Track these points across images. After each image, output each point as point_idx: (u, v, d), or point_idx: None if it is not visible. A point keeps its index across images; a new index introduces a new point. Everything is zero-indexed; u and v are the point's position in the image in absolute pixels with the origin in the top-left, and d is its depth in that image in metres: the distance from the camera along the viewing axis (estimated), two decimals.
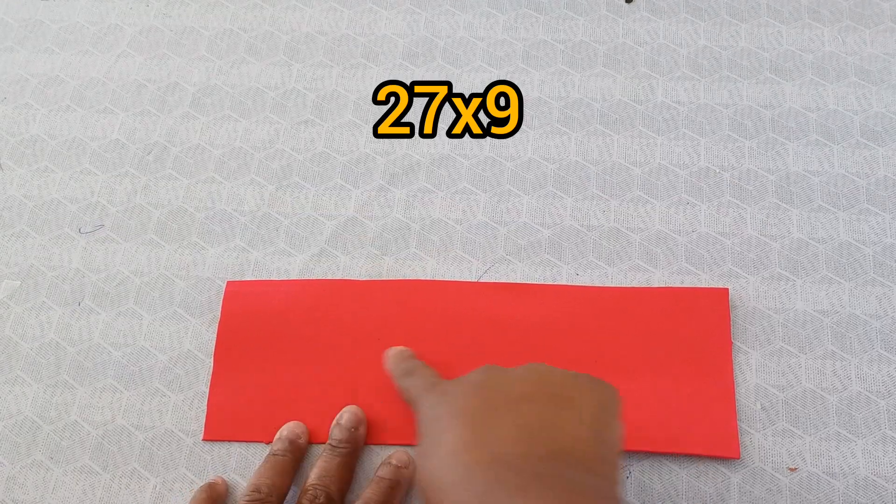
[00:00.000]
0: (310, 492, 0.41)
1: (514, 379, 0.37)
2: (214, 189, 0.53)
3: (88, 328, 0.49)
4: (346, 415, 0.45)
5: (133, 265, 0.51)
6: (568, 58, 0.57)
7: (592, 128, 0.54)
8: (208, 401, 0.46)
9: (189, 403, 0.46)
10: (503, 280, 0.49)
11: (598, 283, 0.49)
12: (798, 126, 0.53)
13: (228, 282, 0.49)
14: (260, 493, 0.41)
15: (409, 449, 0.44)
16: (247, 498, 0.41)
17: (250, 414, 0.46)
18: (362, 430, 0.45)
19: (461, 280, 0.49)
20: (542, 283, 0.49)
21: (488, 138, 0.54)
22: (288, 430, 0.45)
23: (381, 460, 0.44)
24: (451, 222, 0.51)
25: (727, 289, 0.47)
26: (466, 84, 0.56)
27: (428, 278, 0.49)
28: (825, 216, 0.50)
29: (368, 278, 0.49)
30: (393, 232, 0.51)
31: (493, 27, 0.58)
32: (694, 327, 0.46)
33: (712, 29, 0.57)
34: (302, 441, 0.45)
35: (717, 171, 0.52)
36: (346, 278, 0.49)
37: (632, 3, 0.58)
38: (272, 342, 0.47)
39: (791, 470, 0.43)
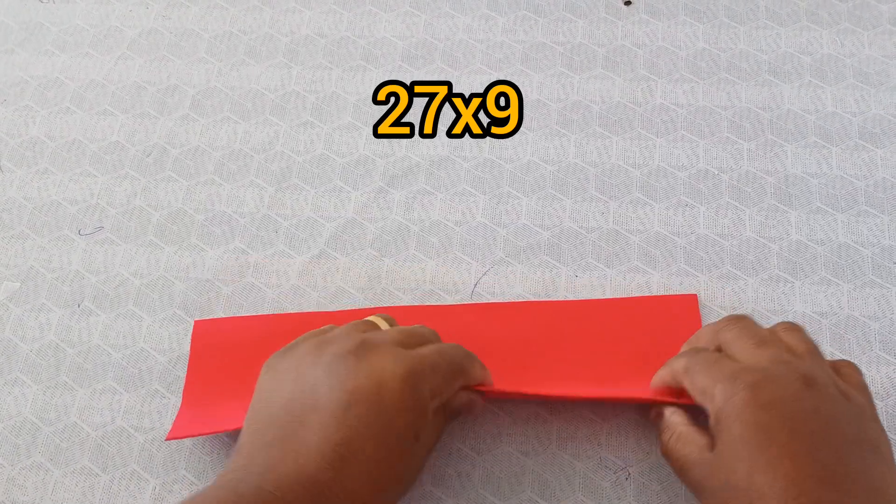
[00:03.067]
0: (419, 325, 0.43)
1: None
2: (214, 191, 0.53)
3: (88, 330, 0.49)
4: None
5: (133, 267, 0.51)
6: (567, 60, 0.57)
7: (591, 130, 0.54)
8: (170, 432, 0.45)
9: None
10: (502, 281, 0.49)
11: (596, 286, 0.49)
12: (796, 128, 0.53)
13: (196, 321, 0.48)
14: (386, 320, 0.43)
15: None
16: (381, 316, 0.43)
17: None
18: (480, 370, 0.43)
19: (438, 304, 0.48)
20: (524, 295, 0.49)
21: (487, 139, 0.54)
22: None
23: None
24: (451, 224, 0.51)
25: (695, 295, 0.47)
26: (466, 86, 0.56)
27: (426, 280, 0.49)
28: (824, 218, 0.50)
29: (368, 280, 0.49)
30: (392, 234, 0.51)
31: (493, 29, 0.58)
32: (665, 335, 0.46)
33: (711, 31, 0.57)
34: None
35: (716, 172, 0.52)
36: (318, 311, 0.48)
37: (630, 6, 0.59)
38: (244, 381, 0.44)
39: None
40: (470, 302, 0.48)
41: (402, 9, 0.60)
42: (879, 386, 0.45)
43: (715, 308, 0.47)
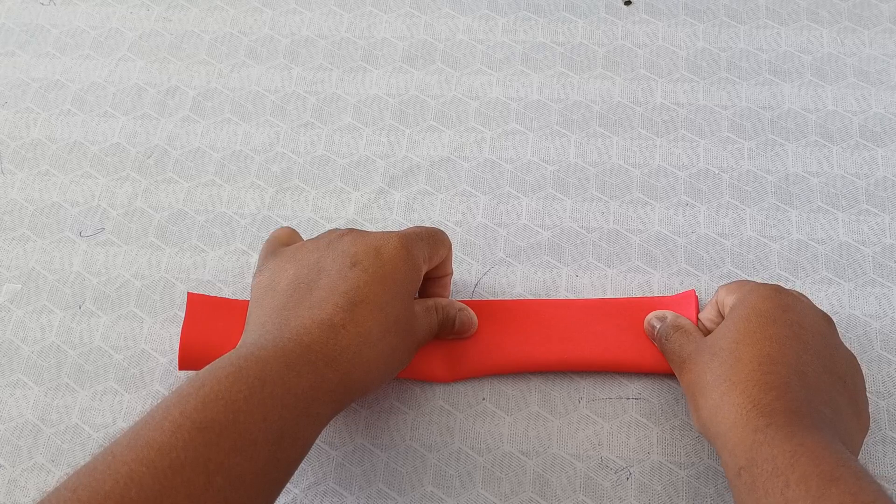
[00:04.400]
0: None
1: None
2: (215, 192, 0.53)
3: (89, 331, 0.49)
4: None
5: (134, 268, 0.51)
6: (567, 60, 0.57)
7: (592, 130, 0.54)
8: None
9: None
10: (503, 281, 0.49)
11: (597, 285, 0.49)
12: (797, 127, 0.53)
13: (189, 293, 0.47)
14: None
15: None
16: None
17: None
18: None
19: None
20: (524, 295, 0.49)
21: (488, 139, 0.54)
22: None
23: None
24: (451, 224, 0.51)
25: (693, 290, 0.47)
26: (465, 87, 0.56)
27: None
28: (824, 217, 0.50)
29: None
30: None
31: (493, 30, 0.58)
32: None
33: (711, 31, 0.57)
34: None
35: (717, 172, 0.52)
36: None
37: (630, 6, 0.59)
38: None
39: None
40: (470, 300, 0.48)
41: (402, 10, 0.60)
42: (881, 385, 0.45)
43: None
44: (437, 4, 0.60)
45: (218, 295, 0.50)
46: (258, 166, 0.54)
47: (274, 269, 0.42)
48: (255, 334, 0.38)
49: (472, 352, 0.46)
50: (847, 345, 0.46)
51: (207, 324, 0.47)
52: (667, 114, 0.54)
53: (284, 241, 0.45)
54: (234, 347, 0.45)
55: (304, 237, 0.51)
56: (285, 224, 0.51)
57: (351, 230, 0.43)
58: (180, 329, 0.48)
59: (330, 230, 0.44)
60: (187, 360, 0.45)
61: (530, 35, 0.58)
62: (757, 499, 0.34)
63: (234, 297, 0.49)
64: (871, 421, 0.43)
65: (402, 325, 0.40)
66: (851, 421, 0.39)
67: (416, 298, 0.43)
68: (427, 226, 0.45)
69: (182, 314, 0.49)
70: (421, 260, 0.42)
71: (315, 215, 0.52)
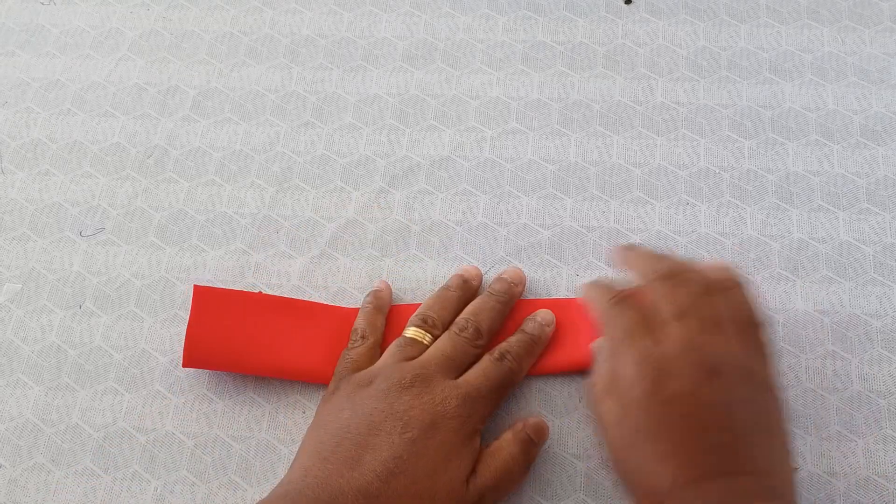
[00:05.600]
0: (460, 322, 0.45)
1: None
2: (215, 192, 0.53)
3: (89, 331, 0.49)
4: (509, 271, 0.48)
5: (134, 268, 0.51)
6: (567, 59, 0.57)
7: (592, 129, 0.54)
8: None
9: (190, 406, 0.46)
10: None
11: None
12: (798, 126, 0.53)
13: (196, 286, 0.47)
14: (426, 323, 0.45)
15: None
16: (414, 323, 0.45)
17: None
18: (521, 288, 0.48)
19: None
20: (525, 294, 0.49)
21: (489, 139, 0.54)
22: (464, 269, 0.48)
23: None
24: (452, 224, 0.51)
25: None
26: (466, 86, 0.56)
27: (427, 280, 0.49)
28: (825, 216, 0.50)
29: (369, 280, 0.49)
30: (393, 234, 0.51)
31: (493, 29, 0.58)
32: None
33: (711, 30, 0.57)
34: (475, 283, 0.48)
35: (717, 171, 0.52)
36: (319, 302, 0.49)
37: (631, 5, 0.59)
38: (238, 350, 0.46)
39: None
40: None
41: (402, 9, 0.60)
42: (881, 384, 0.45)
43: None
44: (437, 4, 0.60)
45: None
46: (258, 166, 0.54)
47: (331, 409, 0.42)
48: (297, 480, 0.39)
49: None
50: (848, 343, 0.46)
51: (214, 318, 0.46)
52: (667, 113, 0.54)
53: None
54: (241, 344, 0.46)
55: (304, 237, 0.51)
56: (286, 224, 0.51)
57: (414, 378, 0.42)
58: (181, 329, 0.48)
59: (393, 358, 0.43)
60: (192, 356, 0.45)
61: (530, 34, 0.58)
62: None
63: None
64: (872, 420, 0.44)
65: (442, 495, 0.39)
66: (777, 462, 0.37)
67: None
68: (504, 364, 0.44)
69: (183, 314, 0.49)
70: (478, 422, 0.42)
71: (315, 215, 0.52)
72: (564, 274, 0.49)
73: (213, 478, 0.45)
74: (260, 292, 0.49)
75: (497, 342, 0.45)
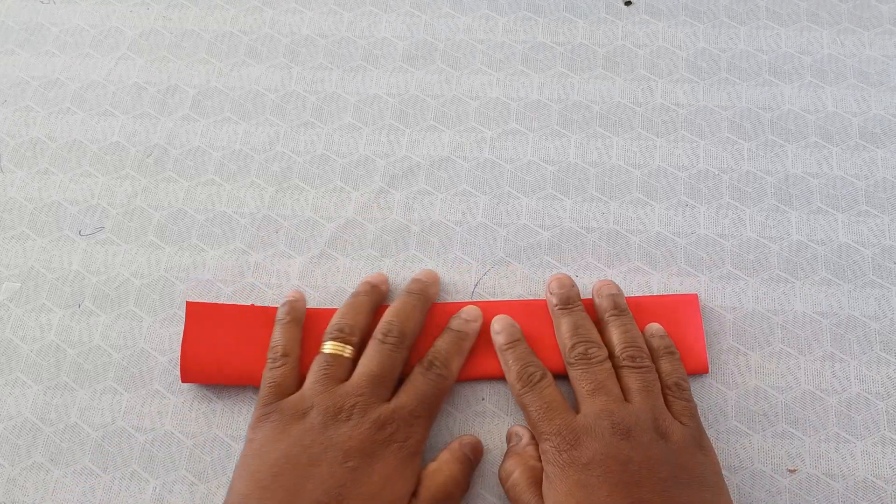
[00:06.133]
0: (384, 326, 0.45)
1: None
2: (214, 191, 0.53)
3: (88, 330, 0.49)
4: (423, 272, 0.49)
5: (133, 267, 0.51)
6: (567, 60, 0.57)
7: (592, 130, 0.54)
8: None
9: (189, 405, 0.46)
10: (503, 281, 0.49)
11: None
12: (797, 128, 0.53)
13: (188, 301, 0.48)
14: (343, 332, 0.45)
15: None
16: (331, 336, 0.45)
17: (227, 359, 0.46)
18: (435, 288, 0.48)
19: (448, 302, 0.49)
20: (524, 295, 0.49)
21: (489, 139, 0.54)
22: (370, 276, 0.49)
23: None
24: (451, 224, 0.51)
25: (696, 295, 0.47)
26: (466, 86, 0.56)
27: None
28: (824, 218, 0.50)
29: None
30: (392, 234, 0.51)
31: (493, 30, 0.58)
32: (668, 332, 0.46)
33: (711, 31, 0.57)
34: (383, 288, 0.48)
35: (717, 173, 0.52)
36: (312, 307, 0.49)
37: (631, 6, 0.59)
38: (232, 364, 0.46)
39: (790, 471, 0.43)
40: (471, 301, 0.48)
41: (402, 9, 0.60)
42: (880, 386, 0.45)
43: (715, 308, 0.48)
44: (437, 4, 0.60)
45: (218, 294, 0.49)
46: (258, 165, 0.54)
47: (266, 439, 0.41)
48: None
49: (472, 352, 0.46)
50: (846, 346, 0.46)
51: (208, 333, 0.47)
52: (667, 114, 0.54)
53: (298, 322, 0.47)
54: (236, 356, 0.46)
55: (303, 237, 0.51)
56: (285, 224, 0.51)
57: (354, 407, 0.42)
58: (180, 328, 0.48)
59: (332, 392, 0.43)
60: (189, 372, 0.46)
61: (530, 35, 0.58)
62: None
63: (235, 296, 0.49)
64: (870, 422, 0.44)
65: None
66: None
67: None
68: (431, 374, 0.44)
69: (181, 313, 0.49)
70: (419, 445, 0.42)
71: (315, 215, 0.52)
72: None
73: (212, 477, 0.45)
74: (252, 305, 0.49)
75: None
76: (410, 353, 0.46)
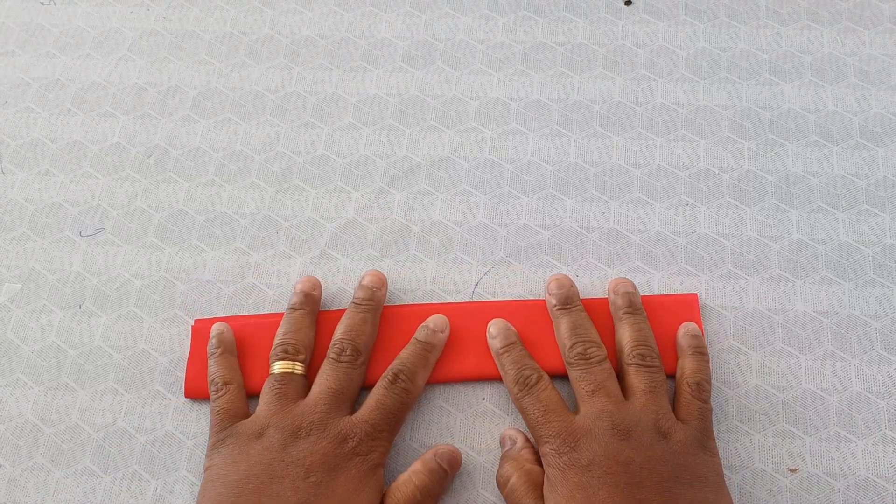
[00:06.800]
0: (336, 346, 0.45)
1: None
2: (215, 192, 0.53)
3: (89, 331, 0.49)
4: (368, 276, 0.48)
5: (134, 268, 0.51)
6: (567, 60, 0.57)
7: (592, 130, 0.54)
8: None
9: (189, 406, 0.46)
10: (503, 281, 0.49)
11: (597, 285, 0.49)
12: (797, 127, 0.53)
13: (196, 320, 0.48)
14: (288, 352, 0.45)
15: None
16: (277, 357, 0.45)
17: None
18: (383, 290, 0.48)
19: (449, 302, 0.49)
20: (524, 295, 0.49)
21: (489, 139, 0.54)
22: (301, 283, 0.48)
23: None
24: (451, 224, 0.51)
25: (696, 294, 0.47)
26: (466, 86, 0.56)
27: (427, 280, 0.49)
28: (825, 217, 0.50)
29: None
30: (393, 234, 0.51)
31: (493, 30, 0.58)
32: (666, 334, 0.46)
33: (711, 31, 0.57)
34: (316, 293, 0.48)
35: (717, 172, 0.52)
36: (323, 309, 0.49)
37: (631, 5, 0.59)
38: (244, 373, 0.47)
39: (791, 471, 0.43)
40: (471, 301, 0.48)
41: (402, 9, 0.60)
42: (881, 385, 0.45)
43: (716, 307, 0.47)
44: (437, 4, 0.60)
45: (219, 294, 0.50)
46: (258, 166, 0.54)
47: (224, 462, 0.41)
48: None
49: (472, 352, 0.46)
50: (847, 345, 0.46)
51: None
52: (667, 114, 0.54)
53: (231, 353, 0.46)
54: (241, 367, 0.46)
55: (303, 237, 0.51)
56: (286, 224, 0.51)
57: (313, 423, 0.42)
58: (180, 329, 0.48)
59: (289, 410, 0.42)
60: (193, 390, 0.46)
61: (530, 35, 0.58)
62: None
63: (235, 297, 0.49)
64: (871, 421, 0.44)
65: None
66: None
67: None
68: (395, 388, 0.44)
69: (182, 314, 0.49)
70: (381, 458, 0.42)
71: (315, 215, 0.52)
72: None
73: None
74: (254, 315, 0.49)
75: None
76: (371, 365, 0.46)
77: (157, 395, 0.47)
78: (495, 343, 0.45)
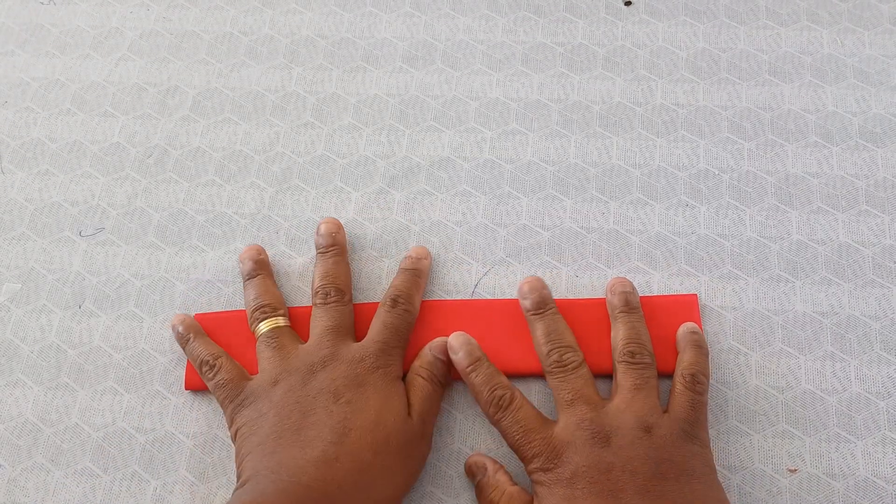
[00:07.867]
0: (320, 291, 0.46)
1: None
2: (215, 192, 0.53)
3: (89, 331, 0.49)
4: (324, 224, 0.49)
5: (133, 268, 0.51)
6: (567, 60, 0.57)
7: (592, 130, 0.54)
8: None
9: (189, 406, 0.46)
10: (503, 281, 0.49)
11: (597, 285, 0.49)
12: (797, 128, 0.53)
13: (196, 314, 0.48)
14: (266, 311, 0.46)
15: None
16: (258, 318, 0.46)
17: None
18: (342, 233, 0.50)
19: (450, 298, 0.49)
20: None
21: (489, 139, 0.54)
22: (246, 252, 0.49)
23: None
24: (451, 224, 0.51)
25: (695, 295, 0.47)
26: (466, 87, 0.56)
27: (427, 280, 0.49)
28: (824, 218, 0.50)
29: (368, 280, 0.49)
30: (393, 234, 0.51)
31: (493, 30, 0.58)
32: (665, 334, 0.46)
33: (711, 31, 0.57)
34: (263, 257, 0.49)
35: (717, 172, 0.52)
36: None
37: (630, 6, 0.59)
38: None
39: (791, 471, 0.43)
40: (471, 301, 0.48)
41: (402, 10, 0.60)
42: (881, 385, 0.45)
43: (716, 308, 0.48)
44: (437, 4, 0.60)
45: (219, 294, 0.50)
46: (258, 166, 0.54)
47: (252, 418, 0.42)
48: (252, 483, 0.39)
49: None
50: (847, 345, 0.46)
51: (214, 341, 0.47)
52: (667, 114, 0.54)
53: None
54: (240, 360, 0.46)
55: (303, 237, 0.51)
56: (285, 224, 0.51)
57: (325, 357, 0.43)
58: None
59: (296, 355, 0.44)
60: (194, 382, 0.47)
61: (530, 35, 0.58)
62: None
63: (235, 297, 0.49)
64: (871, 422, 0.44)
65: (397, 437, 0.41)
66: None
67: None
68: (398, 308, 0.46)
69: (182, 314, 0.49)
70: (399, 370, 0.44)
71: (315, 215, 0.52)
72: (564, 275, 0.49)
73: (213, 478, 0.45)
74: (241, 309, 0.49)
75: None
76: (406, 356, 0.46)
77: (156, 395, 0.47)
78: (459, 359, 0.44)
